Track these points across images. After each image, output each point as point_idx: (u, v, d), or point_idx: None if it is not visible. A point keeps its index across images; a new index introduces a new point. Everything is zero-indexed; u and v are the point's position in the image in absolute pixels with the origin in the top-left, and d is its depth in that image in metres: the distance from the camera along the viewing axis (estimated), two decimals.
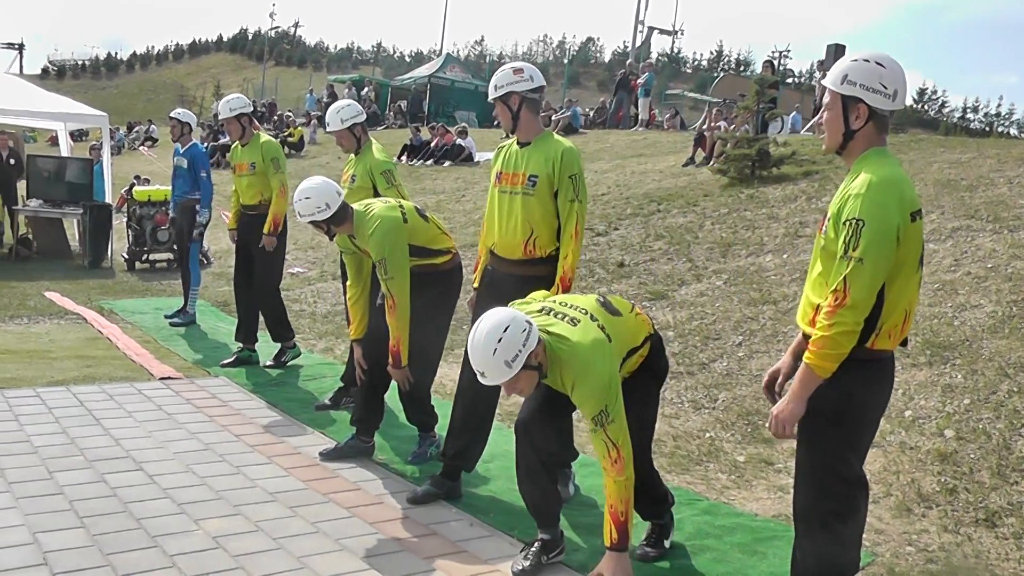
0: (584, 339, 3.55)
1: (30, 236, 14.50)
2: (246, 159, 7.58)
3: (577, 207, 4.51)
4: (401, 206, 5.12)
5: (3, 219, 14.28)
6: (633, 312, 3.87)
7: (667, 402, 6.20)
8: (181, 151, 9.04)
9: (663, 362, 3.98)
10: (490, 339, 3.45)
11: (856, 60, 3.04)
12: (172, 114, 9.19)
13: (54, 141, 25.42)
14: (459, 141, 21.71)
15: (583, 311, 3.69)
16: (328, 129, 6.52)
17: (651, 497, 4.00)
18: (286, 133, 27.30)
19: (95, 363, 7.47)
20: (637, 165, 16.41)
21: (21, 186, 14.33)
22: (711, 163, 14.56)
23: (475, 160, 20.89)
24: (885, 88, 3.00)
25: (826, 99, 3.10)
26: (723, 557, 3.65)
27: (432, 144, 22.28)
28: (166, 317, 9.15)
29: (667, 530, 4.09)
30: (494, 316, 3.53)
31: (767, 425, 3.13)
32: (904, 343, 3.13)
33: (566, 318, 3.66)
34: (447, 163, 21.03)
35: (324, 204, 4.86)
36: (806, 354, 2.99)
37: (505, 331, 3.44)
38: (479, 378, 3.56)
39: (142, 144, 32.86)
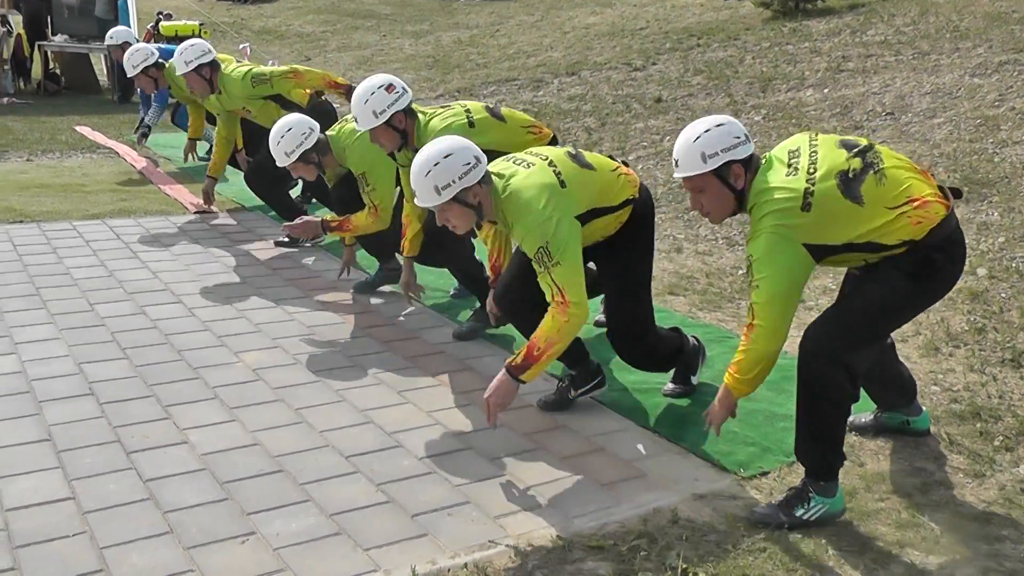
0: (527, 181, 3.43)
1: (57, 72, 14.38)
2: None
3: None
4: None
5: (31, 54, 14.14)
6: (616, 172, 3.68)
7: (701, 239, 6.18)
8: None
9: (645, 234, 3.80)
10: (429, 160, 3.35)
11: (699, 137, 3.00)
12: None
13: None
14: None
15: (544, 158, 3.56)
16: (178, 72, 6.41)
17: (659, 359, 3.98)
18: None
19: (130, 197, 7.53)
20: None
21: None
22: None
23: None
24: (739, 138, 3.00)
25: (694, 186, 3.06)
26: (750, 395, 3.67)
27: None
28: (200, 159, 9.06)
29: (694, 367, 4.08)
30: (446, 140, 3.42)
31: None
32: (957, 194, 3.05)
33: (524, 163, 3.55)
34: None
35: (307, 128, 4.85)
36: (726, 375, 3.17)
37: (446, 157, 3.33)
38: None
39: None
